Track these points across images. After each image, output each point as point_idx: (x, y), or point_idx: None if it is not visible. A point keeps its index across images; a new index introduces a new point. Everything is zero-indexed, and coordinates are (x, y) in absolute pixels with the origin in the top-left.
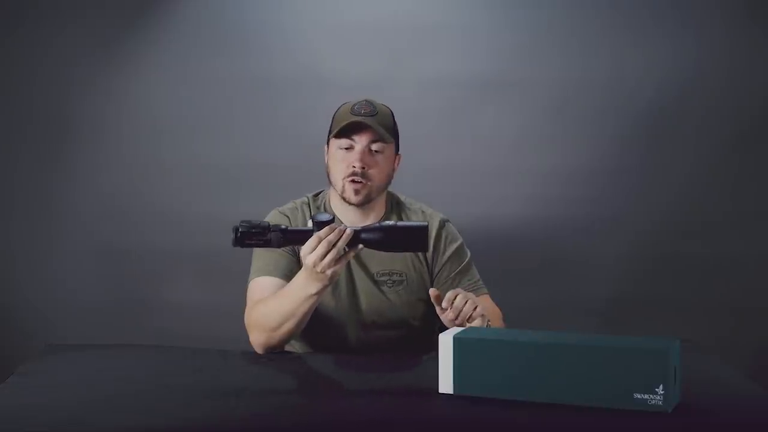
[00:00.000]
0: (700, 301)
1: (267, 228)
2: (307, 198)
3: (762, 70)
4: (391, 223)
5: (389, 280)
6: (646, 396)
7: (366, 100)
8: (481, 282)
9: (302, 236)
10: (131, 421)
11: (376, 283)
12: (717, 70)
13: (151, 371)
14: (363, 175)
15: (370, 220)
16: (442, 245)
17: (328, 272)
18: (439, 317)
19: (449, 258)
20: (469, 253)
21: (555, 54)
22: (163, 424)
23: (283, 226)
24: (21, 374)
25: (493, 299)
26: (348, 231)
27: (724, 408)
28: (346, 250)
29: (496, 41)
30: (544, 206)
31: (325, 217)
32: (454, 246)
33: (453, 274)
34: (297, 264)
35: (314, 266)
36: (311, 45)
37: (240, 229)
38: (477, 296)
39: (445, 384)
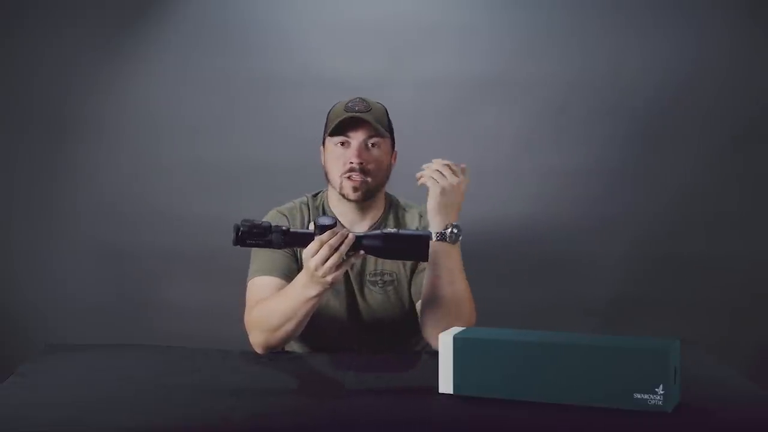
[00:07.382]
0: (700, 301)
1: (268, 228)
2: (307, 198)
3: (762, 70)
4: (393, 230)
5: (380, 280)
6: (646, 396)
7: (359, 98)
8: None
9: (304, 238)
10: (131, 421)
11: (367, 283)
12: (717, 70)
13: (151, 371)
14: (361, 170)
15: (369, 218)
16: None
17: (329, 278)
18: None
19: None
20: None
21: (555, 54)
22: (162, 424)
23: (284, 227)
24: (21, 374)
25: (493, 299)
26: (350, 236)
27: (724, 408)
28: (347, 256)
29: (496, 41)
30: (544, 206)
31: (327, 221)
32: None
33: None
34: (296, 263)
35: (316, 270)
36: (311, 45)
37: (241, 229)
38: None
39: (445, 384)
